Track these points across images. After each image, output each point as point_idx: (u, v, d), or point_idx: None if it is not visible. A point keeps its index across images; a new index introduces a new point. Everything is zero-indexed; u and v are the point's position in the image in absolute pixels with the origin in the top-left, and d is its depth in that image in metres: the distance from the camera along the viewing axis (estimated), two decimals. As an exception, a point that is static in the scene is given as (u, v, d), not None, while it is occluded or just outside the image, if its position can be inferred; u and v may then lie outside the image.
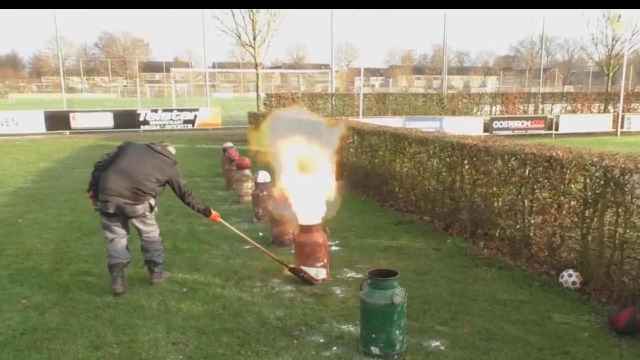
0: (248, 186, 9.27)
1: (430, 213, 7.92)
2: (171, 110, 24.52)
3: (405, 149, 8.61)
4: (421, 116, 23.45)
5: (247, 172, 9.47)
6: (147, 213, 5.36)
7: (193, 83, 65.89)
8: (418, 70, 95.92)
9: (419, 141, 8.19)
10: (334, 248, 6.59)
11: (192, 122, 24.45)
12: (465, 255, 6.29)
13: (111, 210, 5.20)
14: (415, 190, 8.40)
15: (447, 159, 7.43)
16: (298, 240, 5.50)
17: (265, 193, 7.83)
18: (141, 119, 23.33)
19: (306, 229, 5.49)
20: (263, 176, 7.92)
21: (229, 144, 11.76)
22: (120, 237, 5.31)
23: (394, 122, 17.94)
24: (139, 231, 5.44)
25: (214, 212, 5.67)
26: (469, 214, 6.98)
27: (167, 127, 23.87)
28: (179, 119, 24.26)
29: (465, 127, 20.63)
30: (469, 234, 6.93)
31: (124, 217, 5.27)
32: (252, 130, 20.57)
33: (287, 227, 6.65)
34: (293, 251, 5.91)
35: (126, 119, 23.08)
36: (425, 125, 20.43)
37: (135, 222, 5.35)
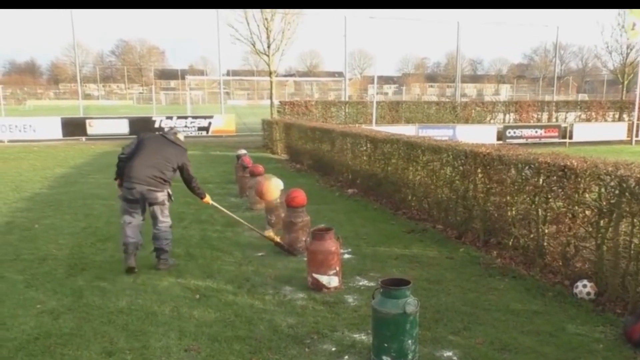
0: (261, 193, 9.27)
1: (443, 221, 7.87)
2: (186, 117, 24.69)
3: (419, 157, 8.58)
4: (434, 124, 23.37)
5: (261, 179, 9.47)
6: (166, 202, 5.98)
7: (208, 90, 66.36)
8: (431, 78, 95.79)
9: (432, 149, 8.16)
10: (346, 256, 6.57)
11: (207, 129, 24.60)
12: (478, 264, 6.24)
13: (136, 197, 5.80)
14: (428, 199, 8.36)
15: (461, 168, 7.39)
16: (310, 248, 5.49)
17: (278, 200, 7.82)
18: (156, 125, 23.51)
19: (319, 237, 5.48)
20: (276, 183, 7.92)
21: (243, 151, 11.79)
22: (136, 222, 5.90)
23: (407, 130, 17.92)
24: (155, 220, 5.98)
25: (207, 197, 6.43)
26: (482, 223, 6.93)
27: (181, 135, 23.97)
28: (194, 126, 24.43)
29: (478, 135, 20.55)
30: (482, 243, 6.88)
31: (144, 204, 5.89)
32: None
33: (299, 234, 6.64)
34: (305, 258, 5.90)
35: (142, 126, 23.24)
36: (438, 134, 20.36)
37: (155, 209, 5.93)
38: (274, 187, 6.67)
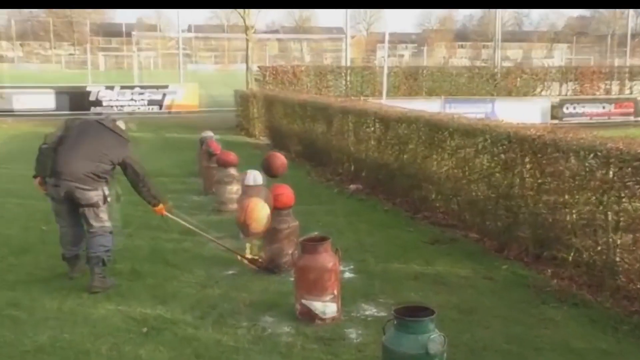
0: (233, 190, 9.23)
1: (478, 228, 7.86)
2: (132, 88, 24.67)
3: (445, 142, 8.56)
4: (466, 98, 23.41)
5: (233, 170, 9.43)
6: (101, 203, 6.11)
7: (162, 52, 66.13)
8: (462, 36, 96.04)
9: (463, 131, 8.13)
10: (347, 275, 6.53)
11: (160, 103, 24.59)
12: (527, 286, 6.22)
13: (61, 195, 5.99)
14: (459, 198, 8.34)
15: (502, 156, 7.39)
16: (299, 264, 5.44)
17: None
18: (92, 98, 23.48)
19: (310, 249, 5.43)
20: (254, 177, 7.86)
21: (209, 134, 11.73)
22: (73, 226, 6.20)
23: (429, 106, 17.84)
24: (88, 225, 6.13)
25: (160, 206, 6.50)
26: (531, 231, 6.91)
27: (127, 110, 23.94)
28: (143, 100, 24.41)
29: (525, 112, 20.58)
30: (532, 258, 6.86)
31: (74, 205, 6.06)
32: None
33: (284, 245, 6.60)
34: (292, 278, 5.85)
35: (72, 99, 23.18)
36: (471, 110, 20.32)
37: (87, 212, 6.07)
38: (263, 214, 6.47)
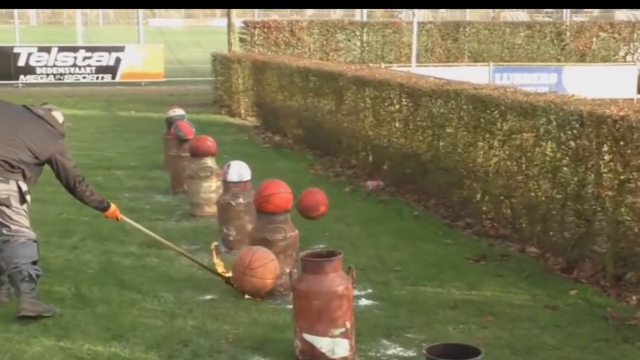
0: (211, 187, 9.26)
1: (539, 240, 7.86)
2: (76, 50, 24.60)
3: (495, 125, 8.57)
4: (523, 64, 23.33)
5: (210, 162, 9.43)
6: (14, 202, 6.15)
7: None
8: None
9: (519, 110, 8.13)
10: (363, 302, 6.56)
11: (113, 70, 24.54)
12: (603, 318, 6.21)
13: None
14: (512, 199, 8.34)
15: (571, 144, 7.38)
16: (300, 287, 5.47)
17: (241, 200, 7.80)
18: (21, 63, 23.48)
19: (314, 268, 5.45)
20: (238, 170, 7.90)
21: (178, 112, 11.75)
22: None
23: (474, 75, 17.83)
24: (1, 228, 6.16)
25: (112, 207, 6.72)
26: (610, 244, 6.91)
27: (68, 80, 23.94)
28: (89, 66, 24.34)
29: (604, 83, 20.48)
30: (611, 281, 6.86)
31: None
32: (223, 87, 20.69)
33: (279, 261, 6.61)
34: (290, 306, 5.88)
35: (-6, 64, 23.16)
36: (530, 81, 20.30)
37: None
38: (272, 269, 6.45)
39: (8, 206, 6.12)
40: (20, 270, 6.08)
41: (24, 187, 6.21)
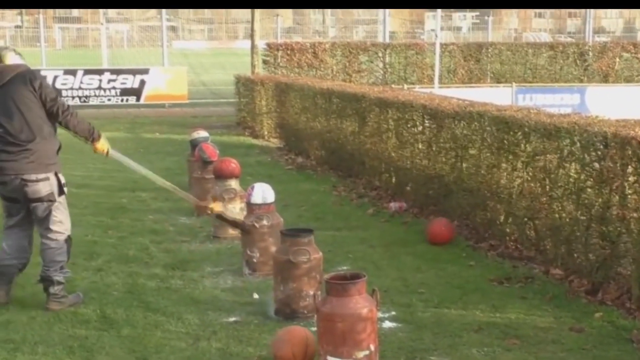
0: (235, 209, 9.26)
1: (564, 262, 7.82)
2: (101, 72, 24.73)
3: (519, 146, 8.54)
4: (546, 85, 23.29)
5: (234, 184, 9.46)
6: (56, 195, 6.61)
7: (138, 24, 66.49)
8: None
9: (543, 132, 8.11)
10: (387, 325, 6.54)
11: (138, 93, 24.65)
12: (629, 341, 6.18)
13: (13, 195, 6.57)
14: (536, 221, 8.31)
15: (595, 165, 7.34)
16: (324, 309, 5.46)
17: (265, 222, 7.83)
18: (47, 86, 23.54)
19: (339, 290, 5.45)
20: (262, 193, 7.91)
21: (202, 134, 11.78)
22: (18, 229, 6.73)
23: (496, 97, 17.80)
24: (41, 227, 6.68)
25: (102, 138, 6.96)
26: (636, 266, 6.86)
27: (93, 102, 24.08)
28: (114, 89, 24.47)
29: (628, 104, 20.38)
30: (637, 303, 6.80)
31: (25, 202, 6.59)
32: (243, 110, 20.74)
33: (303, 284, 6.63)
34: (314, 328, 5.88)
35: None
36: (553, 103, 20.27)
37: (38, 210, 6.60)
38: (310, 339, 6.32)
39: (51, 203, 6.58)
40: (49, 276, 6.63)
41: (62, 179, 6.64)
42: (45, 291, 6.71)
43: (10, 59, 6.67)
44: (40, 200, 6.52)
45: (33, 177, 6.44)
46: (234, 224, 7.67)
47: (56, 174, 6.59)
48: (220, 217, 7.61)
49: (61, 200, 6.67)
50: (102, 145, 6.97)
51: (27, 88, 6.51)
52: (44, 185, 6.49)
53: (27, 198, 6.53)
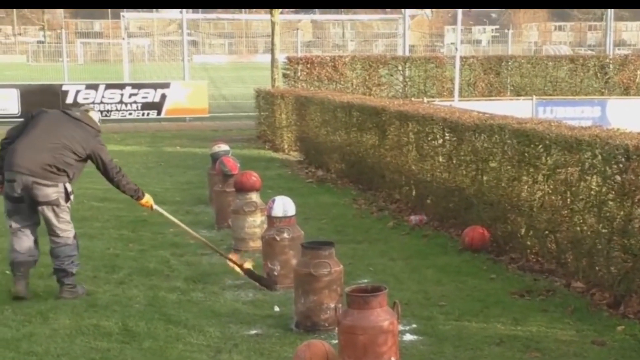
0: (255, 222, 9.28)
1: (585, 275, 7.79)
2: (122, 87, 24.84)
3: (540, 159, 8.53)
4: (566, 98, 23.22)
5: (254, 197, 9.47)
6: (62, 201, 7.24)
7: (159, 38, 66.78)
8: (559, 13, 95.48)
9: (564, 145, 8.08)
10: (408, 337, 6.54)
11: (159, 107, 24.76)
12: (652, 355, 6.14)
13: (17, 192, 7.10)
14: (557, 234, 8.28)
15: (617, 178, 7.32)
16: (345, 322, 5.46)
17: (286, 235, 7.84)
18: (69, 100, 23.69)
19: (360, 303, 5.45)
20: (283, 206, 7.92)
21: (223, 147, 11.81)
22: (26, 229, 7.31)
23: (516, 109, 17.80)
24: (49, 226, 7.31)
25: (146, 196, 7.77)
26: (657, 279, 6.82)
27: (115, 117, 24.20)
28: (135, 103, 24.58)
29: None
30: (659, 316, 6.77)
31: (32, 203, 7.19)
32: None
33: (324, 297, 6.63)
34: (335, 341, 5.87)
35: (43, 101, 23.31)
36: (573, 115, 20.21)
37: (46, 211, 7.23)
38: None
39: (57, 205, 7.21)
40: (64, 269, 7.35)
41: (69, 188, 7.29)
42: (59, 282, 7.41)
43: (94, 116, 7.66)
44: (48, 203, 7.18)
45: (44, 182, 7.08)
46: (259, 279, 7.86)
47: (64, 185, 7.24)
48: (249, 274, 7.84)
49: (67, 204, 7.36)
50: (147, 202, 7.80)
51: (82, 141, 7.31)
52: (53, 190, 7.15)
53: (35, 200, 7.15)
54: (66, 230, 7.35)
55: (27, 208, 7.25)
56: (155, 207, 7.89)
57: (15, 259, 7.27)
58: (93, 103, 23.78)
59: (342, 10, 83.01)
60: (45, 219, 7.30)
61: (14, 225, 7.29)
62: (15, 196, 7.17)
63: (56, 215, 7.25)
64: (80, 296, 7.43)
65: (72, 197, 7.39)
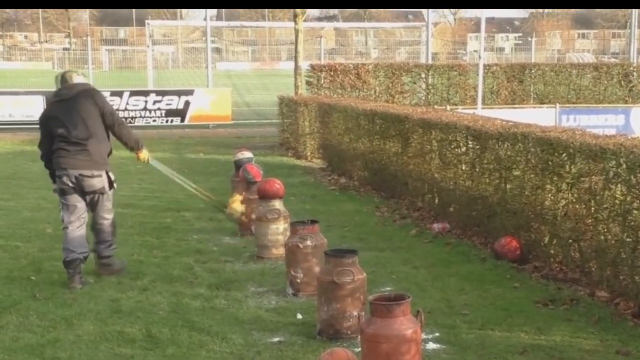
0: (279, 230, 9.28)
1: (609, 285, 7.74)
2: (146, 94, 24.94)
3: (564, 168, 8.50)
4: (590, 106, 23.13)
5: (278, 204, 9.47)
6: (107, 189, 8.03)
7: (183, 46, 67.20)
8: (583, 21, 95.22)
9: (588, 153, 8.06)
10: (431, 346, 6.52)
11: (182, 114, 24.84)
12: (678, 365, 6.10)
13: (70, 183, 7.80)
14: (581, 243, 8.24)
15: (642, 186, 7.27)
16: (368, 331, 5.45)
17: (309, 243, 7.83)
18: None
19: (383, 312, 5.44)
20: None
21: (246, 155, 11.82)
22: (77, 223, 7.94)
23: (539, 117, 17.76)
24: (95, 215, 8.13)
25: (145, 150, 8.56)
26: (682, 289, 6.77)
27: (139, 123, 24.30)
28: (159, 110, 24.68)
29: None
30: (684, 326, 6.72)
31: (82, 194, 7.93)
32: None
33: (347, 305, 6.62)
34: (358, 349, 5.86)
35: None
36: (598, 123, 20.13)
37: (94, 200, 8.02)
38: None
39: (103, 193, 8.04)
40: (100, 253, 8.27)
41: (112, 176, 8.09)
42: (96, 259, 8.31)
43: (75, 79, 8.14)
44: (94, 192, 7.95)
45: (88, 173, 7.81)
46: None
47: (107, 172, 8.00)
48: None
49: (110, 192, 8.14)
50: (145, 154, 8.60)
51: (90, 102, 7.96)
52: (98, 180, 7.89)
53: (83, 191, 7.89)
54: (109, 217, 8.24)
55: (78, 200, 7.96)
56: (151, 160, 8.81)
57: (67, 257, 7.86)
58: (117, 110, 23.93)
59: (365, 17, 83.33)
60: (92, 210, 8.15)
61: (66, 219, 7.94)
62: (65, 188, 7.86)
63: (102, 205, 8.11)
64: (120, 270, 8.39)
65: (115, 185, 8.19)
